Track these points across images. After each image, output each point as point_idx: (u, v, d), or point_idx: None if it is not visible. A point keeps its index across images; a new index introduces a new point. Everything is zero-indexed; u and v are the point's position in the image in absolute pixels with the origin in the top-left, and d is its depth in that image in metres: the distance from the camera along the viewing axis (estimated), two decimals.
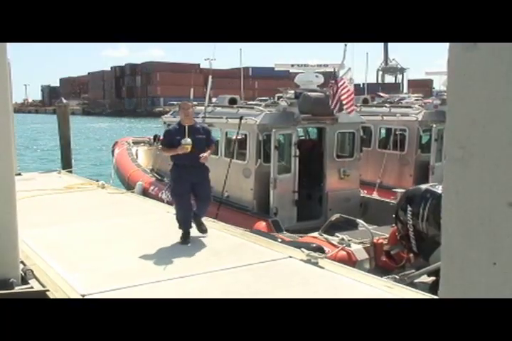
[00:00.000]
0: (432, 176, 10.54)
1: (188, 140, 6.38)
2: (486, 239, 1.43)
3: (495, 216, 1.41)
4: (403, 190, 7.82)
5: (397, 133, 11.50)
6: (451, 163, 1.52)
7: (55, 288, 4.93)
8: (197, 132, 6.64)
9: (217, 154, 9.34)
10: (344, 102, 8.65)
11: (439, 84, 14.05)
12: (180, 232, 6.75)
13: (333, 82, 8.75)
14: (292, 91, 9.38)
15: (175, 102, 12.46)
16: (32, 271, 5.21)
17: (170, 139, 6.71)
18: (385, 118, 11.71)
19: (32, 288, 4.87)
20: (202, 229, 6.94)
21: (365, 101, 12.70)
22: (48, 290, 4.79)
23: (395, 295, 4.86)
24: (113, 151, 15.66)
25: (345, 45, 9.05)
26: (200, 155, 6.45)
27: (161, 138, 8.27)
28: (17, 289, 4.73)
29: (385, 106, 12.44)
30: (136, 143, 15.68)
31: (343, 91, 8.59)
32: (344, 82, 8.68)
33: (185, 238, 6.71)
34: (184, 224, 6.79)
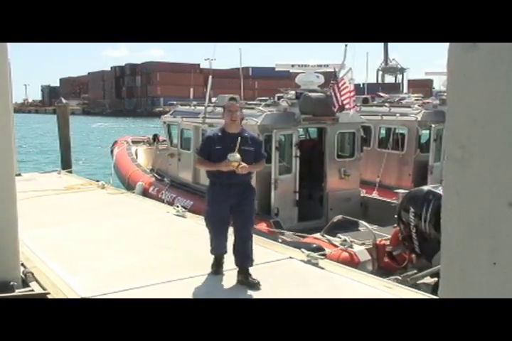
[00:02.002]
0: (430, 176, 10.56)
1: (237, 156, 4.95)
2: (486, 239, 1.43)
3: (495, 216, 1.41)
4: (404, 191, 7.84)
5: (397, 132, 11.52)
6: (451, 163, 1.52)
7: (56, 290, 4.92)
8: (245, 143, 5.07)
9: None
10: (345, 101, 8.68)
11: (439, 84, 14.07)
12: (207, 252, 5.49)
13: (333, 82, 8.76)
14: (293, 92, 9.37)
15: (175, 102, 12.42)
16: (32, 274, 5.19)
17: (208, 149, 5.16)
18: (384, 118, 11.73)
19: (33, 290, 4.84)
20: (249, 281, 5.11)
21: (365, 101, 12.75)
22: (48, 293, 4.77)
23: (395, 295, 4.86)
24: (112, 151, 15.56)
25: (346, 45, 9.05)
26: (240, 166, 4.94)
27: (199, 146, 6.18)
28: (17, 292, 4.71)
29: (385, 106, 12.46)
30: (135, 142, 15.54)
31: (345, 91, 8.61)
32: (345, 82, 8.70)
33: (218, 266, 5.41)
34: (217, 247, 5.40)
